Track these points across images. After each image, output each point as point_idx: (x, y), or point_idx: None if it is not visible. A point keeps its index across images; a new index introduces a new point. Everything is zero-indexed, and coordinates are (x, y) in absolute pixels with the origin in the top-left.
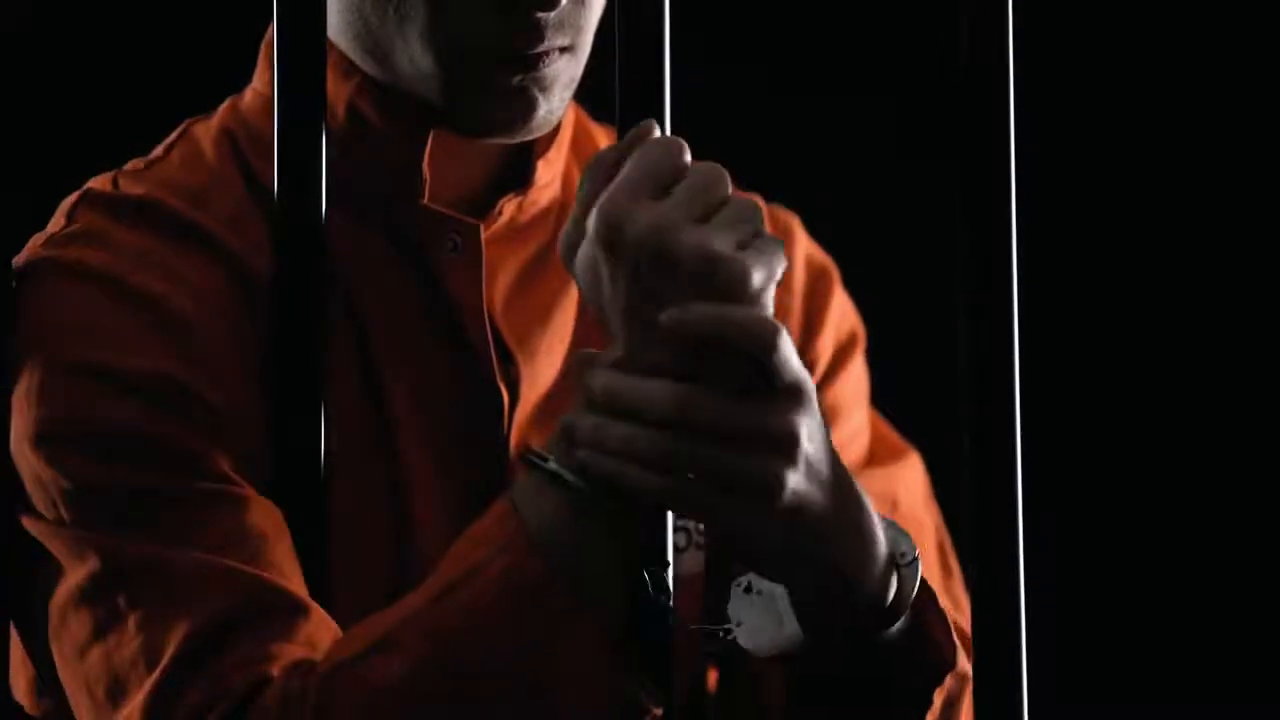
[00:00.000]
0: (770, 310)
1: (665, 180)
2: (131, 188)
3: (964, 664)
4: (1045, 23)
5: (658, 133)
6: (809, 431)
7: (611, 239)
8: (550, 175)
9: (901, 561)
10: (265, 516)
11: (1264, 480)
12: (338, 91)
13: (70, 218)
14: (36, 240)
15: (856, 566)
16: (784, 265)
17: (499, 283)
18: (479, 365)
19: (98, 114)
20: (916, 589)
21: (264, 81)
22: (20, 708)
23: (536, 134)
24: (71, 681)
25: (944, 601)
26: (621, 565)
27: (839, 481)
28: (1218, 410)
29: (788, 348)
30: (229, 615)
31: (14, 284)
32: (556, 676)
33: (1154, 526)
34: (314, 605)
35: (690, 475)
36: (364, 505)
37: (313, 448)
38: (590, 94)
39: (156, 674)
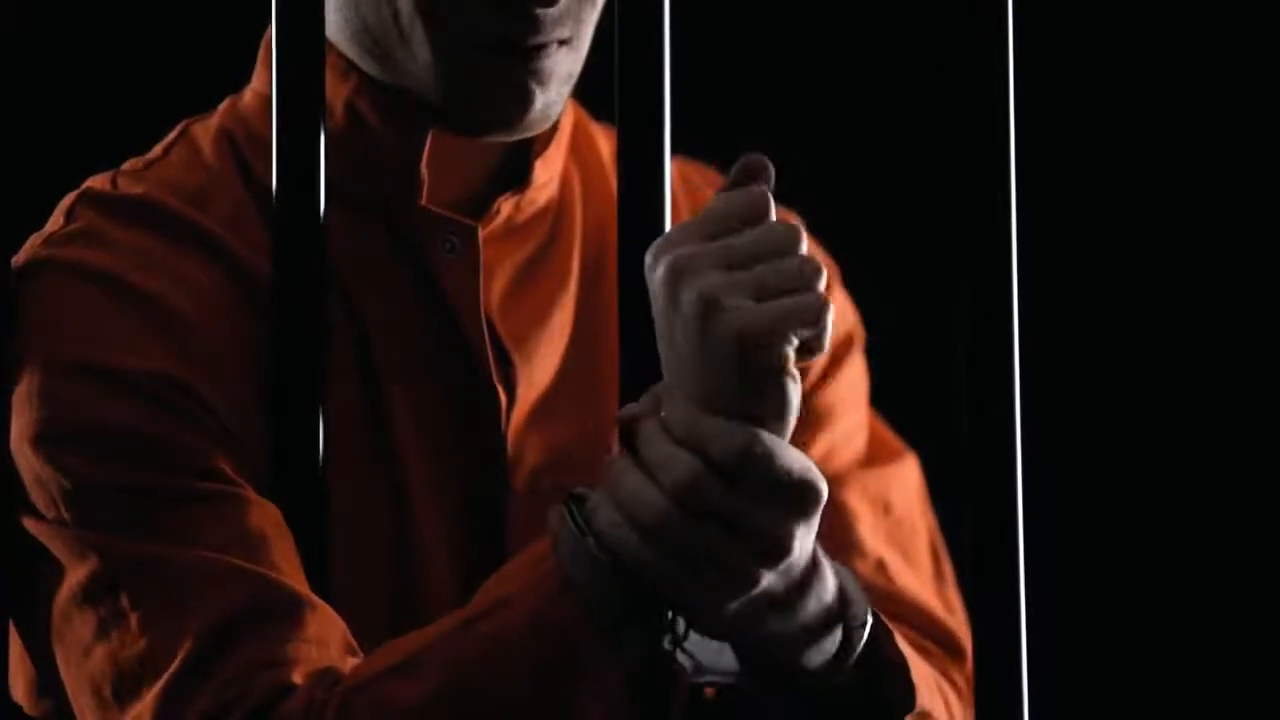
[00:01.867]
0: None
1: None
2: (130, 187)
3: (923, 702)
4: (1045, 22)
5: (769, 170)
6: (802, 535)
7: (669, 288)
8: (548, 175)
9: (852, 623)
10: (266, 517)
11: (1265, 481)
12: (335, 91)
13: (69, 217)
14: (35, 240)
15: (793, 643)
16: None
17: (496, 282)
18: (476, 366)
19: (97, 114)
20: (871, 634)
21: (263, 82)
22: (19, 708)
23: (534, 129)
24: (74, 681)
25: (902, 644)
26: (649, 611)
27: (807, 575)
28: (1220, 412)
29: (783, 455)
30: (237, 614)
31: (13, 283)
32: (574, 712)
33: (1156, 529)
34: (320, 602)
35: (677, 554)
36: (363, 506)
37: (312, 448)
38: (590, 93)
39: (168, 675)
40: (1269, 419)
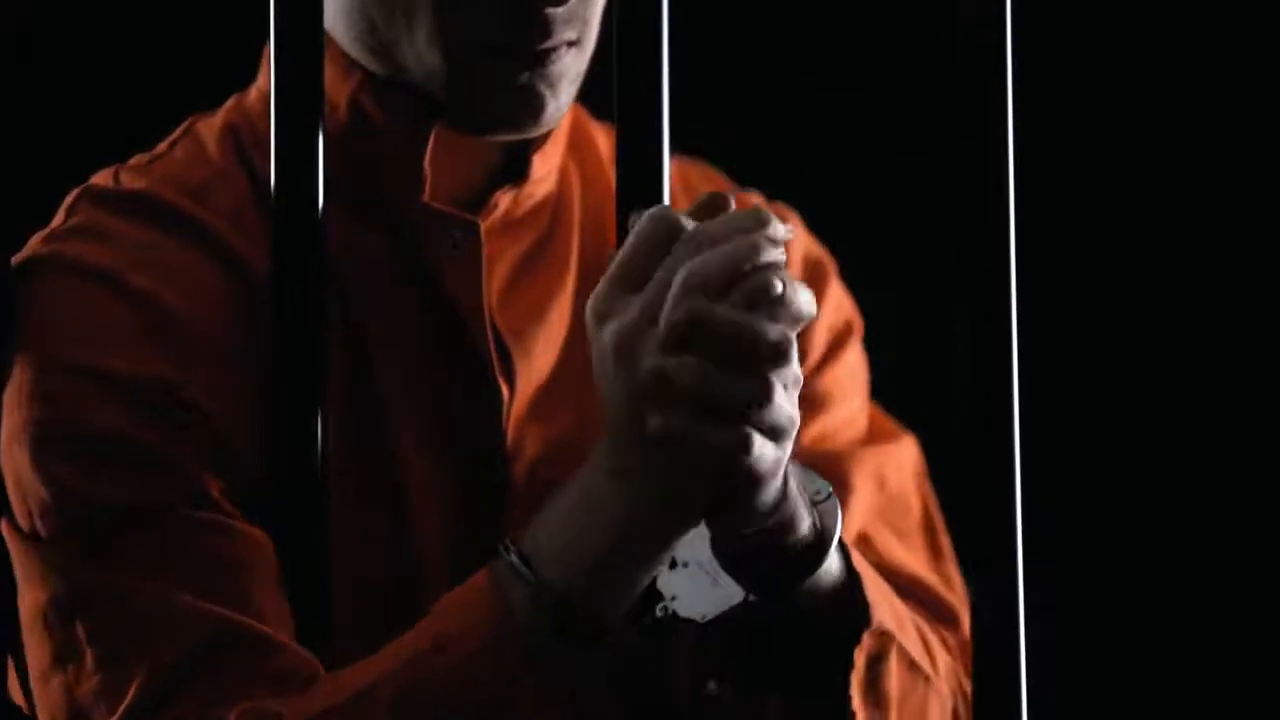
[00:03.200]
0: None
1: (650, 266)
2: (132, 182)
3: (882, 621)
4: (1044, 19)
5: (732, 206)
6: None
7: (595, 338)
8: (546, 169)
9: (817, 499)
10: (246, 548)
11: (1264, 474)
12: (339, 88)
13: (70, 213)
14: (37, 236)
15: (781, 526)
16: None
17: (494, 275)
18: (478, 363)
19: (101, 113)
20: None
21: (268, 79)
22: (20, 708)
23: (545, 129)
24: (37, 698)
25: (859, 561)
26: (590, 650)
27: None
28: (1218, 406)
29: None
30: (191, 656)
31: (13, 280)
32: None
33: (1154, 523)
34: (283, 642)
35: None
36: (362, 505)
37: (310, 446)
38: (589, 93)
39: (118, 716)
40: (1269, 408)
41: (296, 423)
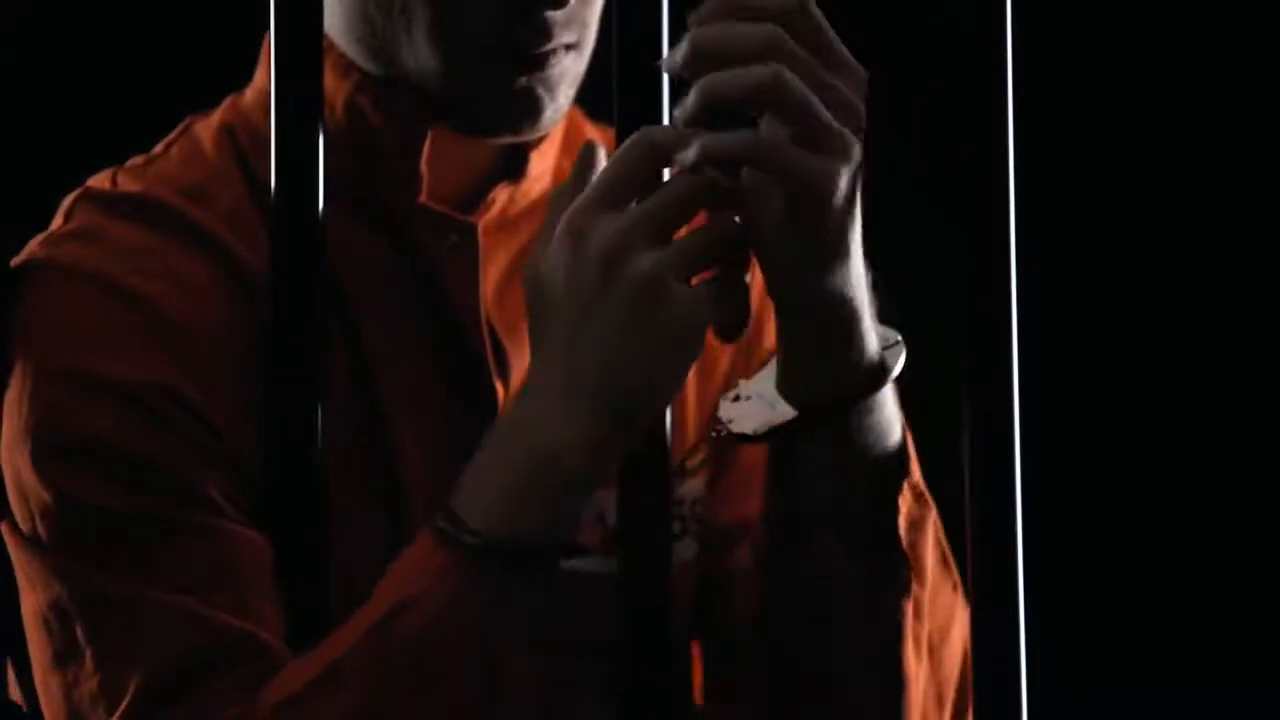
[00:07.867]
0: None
1: (633, 186)
2: (130, 184)
3: (919, 483)
4: (1045, 14)
5: (601, 156)
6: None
7: (574, 251)
8: (543, 167)
9: (884, 343)
10: (245, 553)
11: (1265, 479)
12: (336, 88)
13: (68, 216)
14: (36, 239)
15: (853, 311)
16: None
17: (490, 273)
18: (474, 362)
19: (99, 114)
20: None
21: (265, 79)
22: (20, 708)
23: (543, 132)
24: (41, 698)
25: (904, 423)
26: (546, 577)
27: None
28: (1219, 409)
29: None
30: (189, 663)
31: (10, 284)
32: (505, 692)
33: (1154, 525)
34: (281, 650)
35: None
36: (360, 504)
37: (308, 448)
38: (589, 93)
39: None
40: (1269, 414)
41: (295, 423)
